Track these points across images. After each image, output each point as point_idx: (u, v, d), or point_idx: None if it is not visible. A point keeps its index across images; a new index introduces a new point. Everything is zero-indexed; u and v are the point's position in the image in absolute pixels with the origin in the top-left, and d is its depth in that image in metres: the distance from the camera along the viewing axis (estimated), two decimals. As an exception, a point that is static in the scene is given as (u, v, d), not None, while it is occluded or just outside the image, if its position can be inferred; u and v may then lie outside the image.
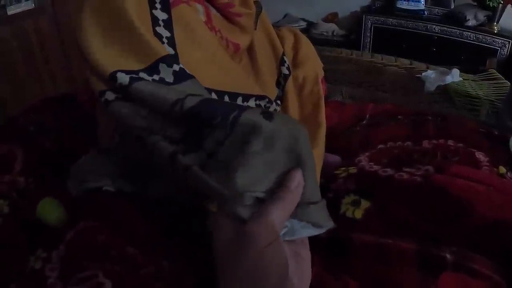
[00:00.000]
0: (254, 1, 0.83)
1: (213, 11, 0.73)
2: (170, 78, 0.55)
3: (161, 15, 0.61)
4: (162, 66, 0.55)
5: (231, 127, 0.46)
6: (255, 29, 0.85)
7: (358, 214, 0.64)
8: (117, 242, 0.55)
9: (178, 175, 0.49)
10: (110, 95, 0.55)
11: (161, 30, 0.60)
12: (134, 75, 0.53)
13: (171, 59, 0.56)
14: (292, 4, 3.42)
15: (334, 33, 3.20)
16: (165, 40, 0.59)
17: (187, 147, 0.50)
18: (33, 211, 0.64)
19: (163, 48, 0.57)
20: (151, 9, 0.60)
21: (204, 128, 0.49)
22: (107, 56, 0.55)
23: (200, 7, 0.71)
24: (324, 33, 3.23)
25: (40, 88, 2.11)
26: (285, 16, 3.42)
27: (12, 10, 2.03)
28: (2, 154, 0.82)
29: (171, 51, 0.59)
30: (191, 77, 0.57)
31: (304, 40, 0.94)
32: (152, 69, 0.55)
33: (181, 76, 0.56)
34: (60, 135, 0.88)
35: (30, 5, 2.10)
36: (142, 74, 0.54)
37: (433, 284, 0.51)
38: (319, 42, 2.93)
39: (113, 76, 0.53)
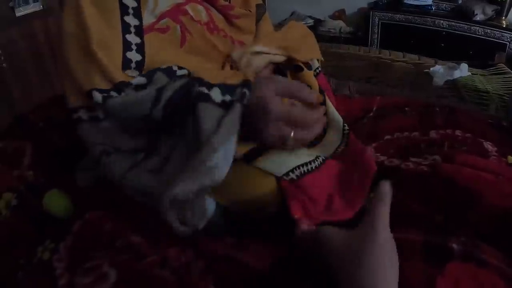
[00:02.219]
0: (257, 4, 0.84)
1: (214, 12, 0.75)
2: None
3: (131, 3, 0.64)
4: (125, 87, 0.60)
5: None
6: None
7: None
8: (123, 231, 0.55)
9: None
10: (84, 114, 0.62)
11: (129, 19, 0.64)
12: (105, 94, 0.58)
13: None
14: (299, 1, 3.41)
15: (342, 30, 3.18)
16: (134, 47, 0.63)
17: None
18: (41, 204, 0.65)
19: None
20: (122, 16, 0.64)
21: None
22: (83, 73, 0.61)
23: (201, 8, 0.72)
24: (332, 30, 3.21)
25: (50, 87, 2.13)
26: (292, 14, 3.42)
27: (20, 12, 2.05)
28: (12, 149, 0.83)
29: (138, 57, 0.63)
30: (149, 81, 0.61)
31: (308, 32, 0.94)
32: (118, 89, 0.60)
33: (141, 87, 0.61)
34: (69, 130, 0.89)
35: (38, 7, 2.12)
36: (112, 93, 0.59)
37: (439, 274, 0.50)
38: (326, 39, 2.92)
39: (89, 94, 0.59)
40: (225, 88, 0.57)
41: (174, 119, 0.59)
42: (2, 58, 1.97)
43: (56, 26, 2.18)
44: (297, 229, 0.54)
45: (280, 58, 0.76)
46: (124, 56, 0.62)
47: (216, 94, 0.56)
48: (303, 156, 0.65)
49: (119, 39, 0.62)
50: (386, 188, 0.49)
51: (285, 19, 3.33)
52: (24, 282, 0.53)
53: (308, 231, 0.53)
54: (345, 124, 0.78)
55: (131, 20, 0.64)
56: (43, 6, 2.14)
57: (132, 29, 0.63)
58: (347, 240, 0.46)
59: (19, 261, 0.56)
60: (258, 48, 0.74)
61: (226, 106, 0.55)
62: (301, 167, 0.63)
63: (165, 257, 0.53)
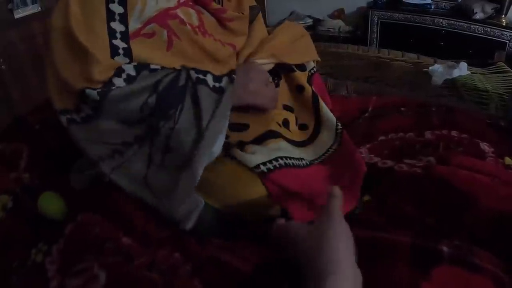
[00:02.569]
0: (250, 6, 0.84)
1: (205, 15, 0.75)
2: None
3: (118, 9, 0.66)
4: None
5: None
6: None
7: (357, 210, 0.63)
8: (114, 234, 0.55)
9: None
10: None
11: (115, 25, 0.65)
12: (100, 89, 0.61)
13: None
14: (298, 1, 3.40)
15: (341, 30, 3.17)
16: (121, 51, 0.65)
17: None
18: (36, 206, 0.65)
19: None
20: (107, 3, 0.65)
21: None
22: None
23: (192, 12, 0.73)
24: (331, 29, 3.20)
25: (48, 89, 2.13)
26: (291, 13, 3.41)
27: (19, 14, 2.05)
28: (8, 152, 0.84)
29: (126, 60, 0.65)
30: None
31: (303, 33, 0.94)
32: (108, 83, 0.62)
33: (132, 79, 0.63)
34: (65, 133, 0.89)
35: (36, 8, 2.12)
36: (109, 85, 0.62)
37: (425, 279, 0.49)
38: (325, 39, 2.91)
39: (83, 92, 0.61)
40: (215, 77, 0.68)
41: (170, 103, 0.64)
42: (1, 60, 1.97)
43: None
44: (272, 225, 0.57)
45: (270, 66, 0.81)
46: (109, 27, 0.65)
47: (210, 80, 0.67)
48: (282, 153, 0.69)
49: (106, 43, 0.64)
50: (336, 193, 0.56)
51: (284, 18, 3.32)
52: (18, 284, 0.53)
53: (279, 226, 0.57)
54: (338, 124, 0.80)
55: (117, 26, 0.65)
56: (41, 8, 2.14)
57: (118, 35, 0.65)
58: (309, 232, 0.53)
59: (13, 263, 0.57)
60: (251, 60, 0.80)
61: (217, 91, 0.67)
62: (274, 161, 0.66)
63: (153, 259, 0.53)
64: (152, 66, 0.66)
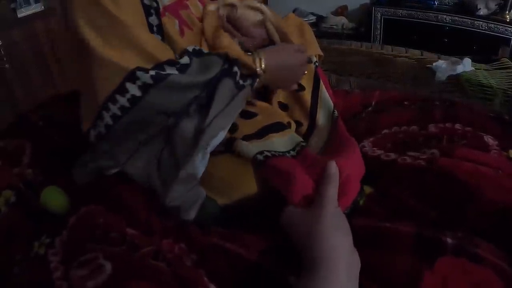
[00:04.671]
0: None
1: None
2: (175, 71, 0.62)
3: (152, 4, 0.66)
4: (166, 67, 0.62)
5: None
6: None
7: (361, 200, 0.63)
8: (117, 224, 0.55)
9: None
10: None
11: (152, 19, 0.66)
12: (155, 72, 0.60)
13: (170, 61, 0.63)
14: (301, -2, 3.40)
15: (344, 27, 3.16)
16: (155, 29, 0.66)
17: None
18: (38, 200, 0.65)
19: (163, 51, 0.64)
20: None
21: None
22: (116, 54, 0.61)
23: (199, 5, 0.77)
24: (334, 26, 3.19)
25: (52, 87, 2.14)
26: (294, 10, 3.41)
27: (22, 13, 2.05)
28: (12, 148, 0.84)
29: (158, 38, 0.66)
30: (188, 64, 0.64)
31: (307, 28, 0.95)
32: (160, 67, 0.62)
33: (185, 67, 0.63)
34: (68, 129, 0.89)
35: (39, 7, 2.13)
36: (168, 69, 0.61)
37: (428, 269, 0.49)
38: (328, 36, 2.90)
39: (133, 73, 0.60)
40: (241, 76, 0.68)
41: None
42: (5, 59, 1.98)
43: (57, 27, 2.18)
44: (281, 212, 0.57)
45: (273, 23, 0.82)
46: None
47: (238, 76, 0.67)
48: (279, 146, 0.68)
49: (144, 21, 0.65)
50: (332, 169, 0.55)
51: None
52: (20, 276, 0.53)
53: (285, 213, 0.57)
54: (335, 110, 0.81)
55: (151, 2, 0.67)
56: (44, 7, 2.15)
57: (153, 11, 0.67)
58: (302, 217, 0.53)
59: (16, 256, 0.57)
60: (250, 2, 0.82)
61: (240, 88, 0.67)
62: (269, 152, 0.65)
63: (158, 249, 0.53)
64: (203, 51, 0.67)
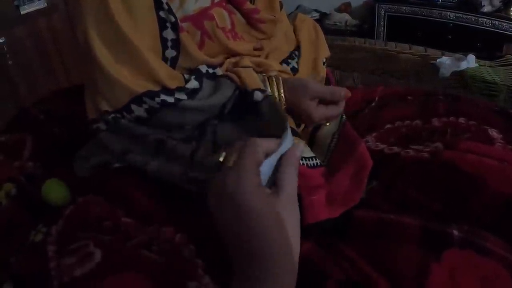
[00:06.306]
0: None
1: (237, 16, 0.76)
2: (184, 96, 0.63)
3: (169, 18, 0.65)
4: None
5: None
6: None
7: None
8: (113, 214, 0.55)
9: None
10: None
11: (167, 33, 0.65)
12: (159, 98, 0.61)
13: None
14: (304, -5, 3.39)
15: (347, 23, 3.15)
16: (169, 44, 0.65)
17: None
18: (39, 193, 0.65)
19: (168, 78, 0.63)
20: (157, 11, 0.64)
21: None
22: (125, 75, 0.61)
23: (225, 14, 0.74)
24: (337, 23, 3.18)
25: (55, 84, 2.14)
26: (297, 7, 3.39)
27: (25, 10, 2.06)
28: (13, 142, 0.84)
29: (173, 53, 0.66)
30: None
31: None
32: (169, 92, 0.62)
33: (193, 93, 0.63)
34: (69, 122, 0.89)
35: (42, 4, 2.13)
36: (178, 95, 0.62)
37: (435, 261, 0.48)
38: (332, 33, 2.89)
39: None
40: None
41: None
42: (8, 55, 1.99)
43: (60, 23, 2.19)
44: None
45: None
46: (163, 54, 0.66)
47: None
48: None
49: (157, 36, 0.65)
50: (296, 152, 0.49)
51: (291, 12, 3.30)
52: (16, 263, 0.53)
53: None
54: (343, 114, 0.80)
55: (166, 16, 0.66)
56: (47, 4, 2.15)
57: (168, 25, 0.66)
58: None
59: (13, 245, 0.57)
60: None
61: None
62: None
63: (153, 238, 0.53)
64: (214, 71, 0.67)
